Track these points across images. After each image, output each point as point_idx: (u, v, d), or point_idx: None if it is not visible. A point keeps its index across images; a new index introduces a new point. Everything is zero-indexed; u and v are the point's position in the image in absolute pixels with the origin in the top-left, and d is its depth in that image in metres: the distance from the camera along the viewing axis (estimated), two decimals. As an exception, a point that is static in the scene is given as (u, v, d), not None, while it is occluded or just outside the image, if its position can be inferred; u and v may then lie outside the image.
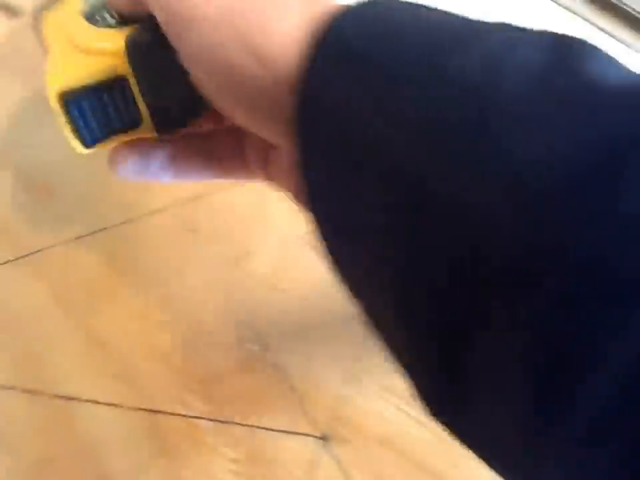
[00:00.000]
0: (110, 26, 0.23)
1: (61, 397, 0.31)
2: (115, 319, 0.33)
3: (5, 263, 0.35)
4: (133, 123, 0.24)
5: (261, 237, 0.35)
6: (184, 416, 0.30)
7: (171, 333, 0.32)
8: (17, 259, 0.36)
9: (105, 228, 0.36)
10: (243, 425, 0.29)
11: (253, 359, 0.31)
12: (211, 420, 0.29)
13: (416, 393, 0.18)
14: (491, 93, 0.15)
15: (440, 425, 0.18)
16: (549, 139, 0.14)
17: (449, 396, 0.17)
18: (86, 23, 0.23)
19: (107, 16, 0.24)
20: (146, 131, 0.24)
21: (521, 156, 0.14)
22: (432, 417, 0.18)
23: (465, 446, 0.18)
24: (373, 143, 0.16)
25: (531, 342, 0.14)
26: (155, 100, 0.23)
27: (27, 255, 0.36)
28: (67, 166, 0.37)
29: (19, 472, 0.30)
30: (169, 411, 0.30)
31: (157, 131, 0.24)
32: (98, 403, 0.31)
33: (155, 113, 0.23)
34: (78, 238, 0.35)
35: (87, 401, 0.31)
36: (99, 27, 0.23)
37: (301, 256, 0.34)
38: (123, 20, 0.23)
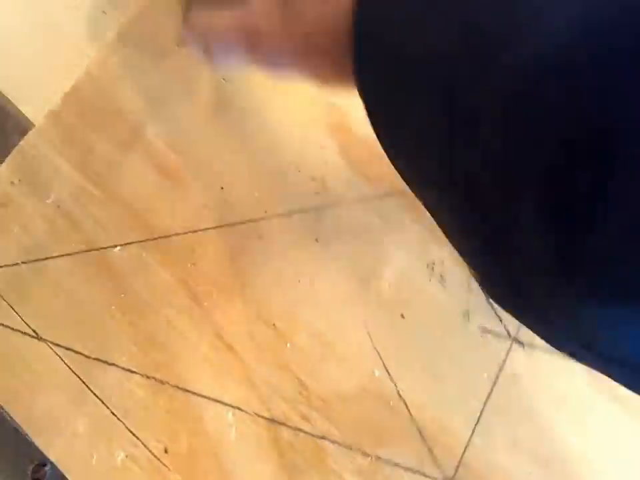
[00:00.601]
0: None
1: (187, 391, 0.32)
2: (240, 319, 0.33)
3: (131, 243, 0.36)
4: None
5: (385, 259, 0.34)
6: (308, 433, 0.30)
7: (294, 343, 0.33)
8: (145, 240, 0.36)
9: (232, 223, 0.36)
10: (368, 455, 0.30)
11: (378, 385, 0.31)
12: (337, 443, 0.30)
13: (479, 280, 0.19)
14: None
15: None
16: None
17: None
18: None
19: None
20: None
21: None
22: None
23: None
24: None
25: None
26: None
27: (155, 239, 0.36)
28: (203, 157, 0.37)
29: (141, 456, 0.31)
30: (293, 425, 0.30)
31: None
32: (223, 403, 0.31)
33: None
34: (207, 229, 0.36)
35: (213, 399, 0.32)
36: None
37: (425, 286, 0.34)
38: None
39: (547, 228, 0.14)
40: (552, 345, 0.19)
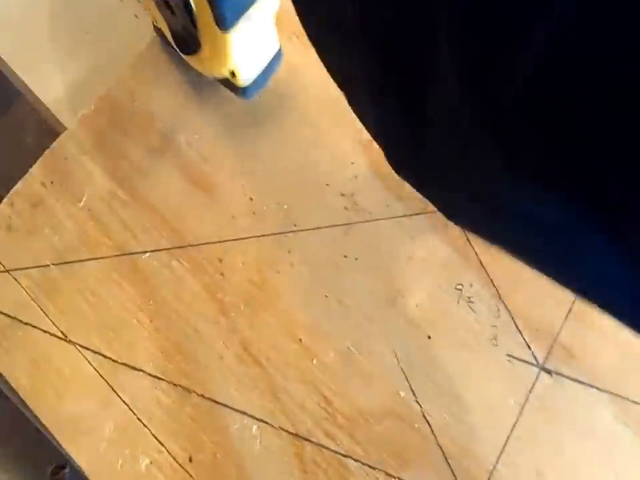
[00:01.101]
0: None
1: (212, 401, 0.32)
2: (267, 332, 0.33)
3: (160, 250, 0.36)
4: None
5: (413, 278, 0.34)
6: (332, 450, 0.30)
7: (320, 359, 0.33)
8: (174, 247, 0.36)
9: (261, 235, 0.36)
10: (391, 477, 0.30)
11: (404, 406, 0.31)
12: (360, 462, 0.30)
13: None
14: None
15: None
16: None
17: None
18: None
19: None
20: None
21: None
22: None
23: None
24: None
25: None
26: None
27: (184, 247, 0.36)
28: (234, 167, 0.37)
29: (166, 463, 0.32)
30: (317, 441, 0.31)
31: None
32: (248, 415, 0.32)
33: None
34: (235, 240, 0.36)
35: (238, 410, 0.32)
36: None
37: (453, 308, 0.34)
38: None
39: (461, 59, 0.14)
40: (448, 211, 0.21)
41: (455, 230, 0.34)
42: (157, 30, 0.37)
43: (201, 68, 0.35)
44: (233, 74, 0.33)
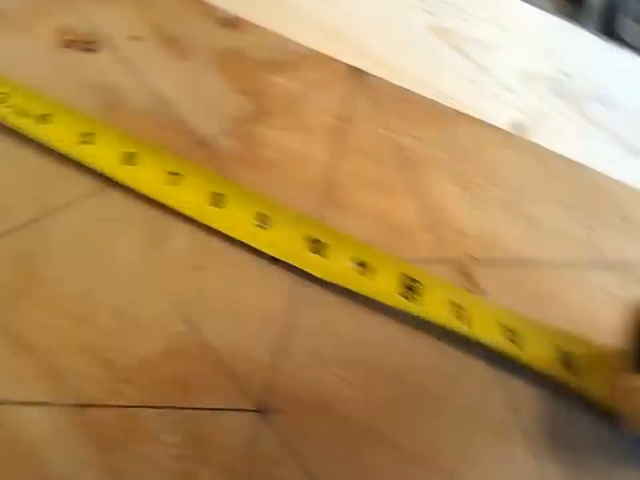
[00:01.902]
0: None
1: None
2: (37, 319, 0.32)
3: None
4: None
5: (174, 218, 0.34)
6: (118, 406, 0.29)
7: (96, 325, 0.32)
8: None
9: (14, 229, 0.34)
10: (180, 409, 0.29)
11: (185, 341, 0.31)
12: (146, 407, 0.29)
13: None
14: None
15: None
16: None
17: None
18: None
19: None
20: None
21: None
22: None
23: None
24: None
25: None
26: None
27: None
28: None
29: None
30: (102, 403, 0.29)
31: None
32: (28, 404, 0.30)
33: None
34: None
35: (17, 403, 0.30)
36: None
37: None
38: None
39: None
40: None
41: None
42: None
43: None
44: None
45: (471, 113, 0.42)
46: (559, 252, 0.36)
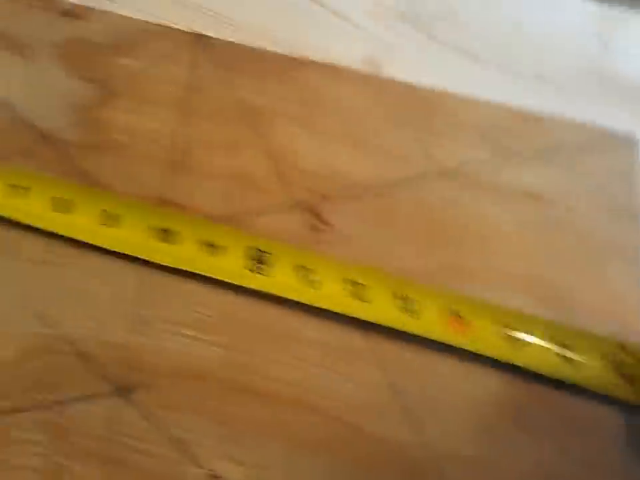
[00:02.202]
0: None
1: None
2: None
3: None
4: None
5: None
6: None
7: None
8: None
9: None
10: (40, 408, 0.29)
11: (41, 339, 0.31)
12: (10, 413, 0.29)
13: None
14: None
15: None
16: None
17: None
18: None
19: None
20: None
21: None
22: None
23: None
24: None
25: None
26: None
27: None
28: None
29: None
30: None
31: None
32: None
33: None
34: None
35: None
36: None
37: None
38: None
39: None
40: None
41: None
42: None
43: None
44: None
45: (323, 57, 0.41)
46: (400, 172, 0.36)
